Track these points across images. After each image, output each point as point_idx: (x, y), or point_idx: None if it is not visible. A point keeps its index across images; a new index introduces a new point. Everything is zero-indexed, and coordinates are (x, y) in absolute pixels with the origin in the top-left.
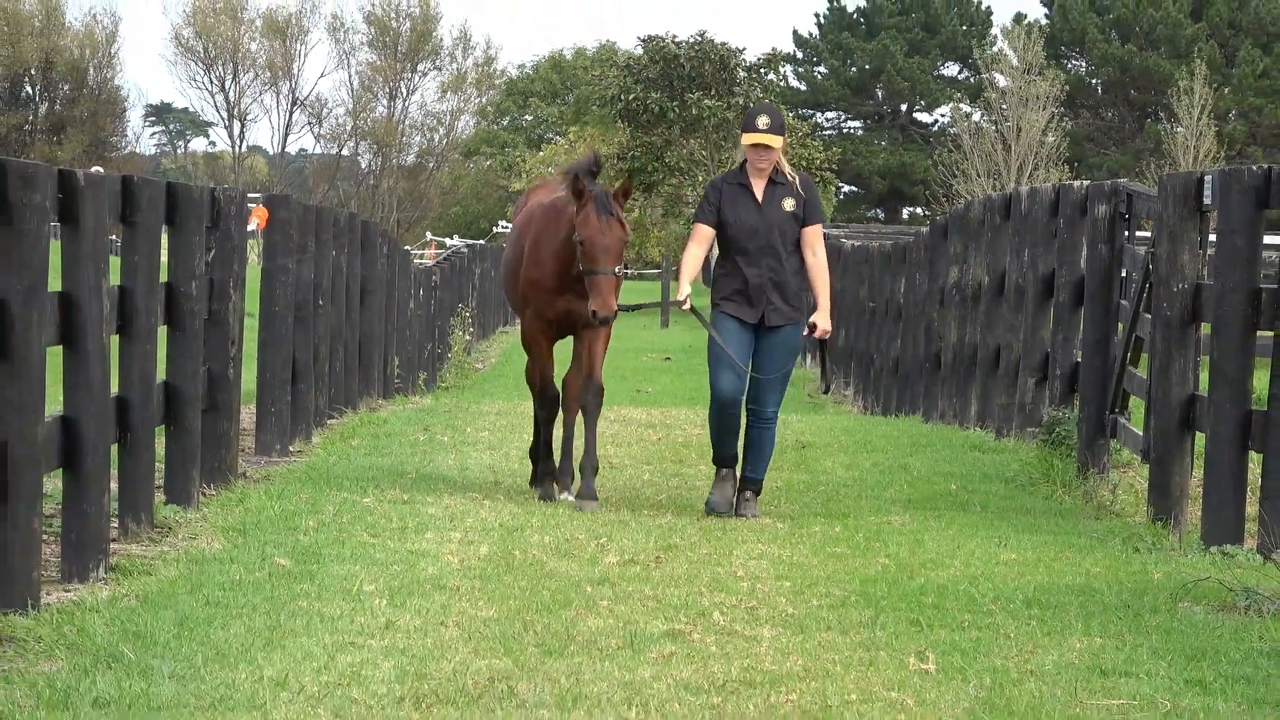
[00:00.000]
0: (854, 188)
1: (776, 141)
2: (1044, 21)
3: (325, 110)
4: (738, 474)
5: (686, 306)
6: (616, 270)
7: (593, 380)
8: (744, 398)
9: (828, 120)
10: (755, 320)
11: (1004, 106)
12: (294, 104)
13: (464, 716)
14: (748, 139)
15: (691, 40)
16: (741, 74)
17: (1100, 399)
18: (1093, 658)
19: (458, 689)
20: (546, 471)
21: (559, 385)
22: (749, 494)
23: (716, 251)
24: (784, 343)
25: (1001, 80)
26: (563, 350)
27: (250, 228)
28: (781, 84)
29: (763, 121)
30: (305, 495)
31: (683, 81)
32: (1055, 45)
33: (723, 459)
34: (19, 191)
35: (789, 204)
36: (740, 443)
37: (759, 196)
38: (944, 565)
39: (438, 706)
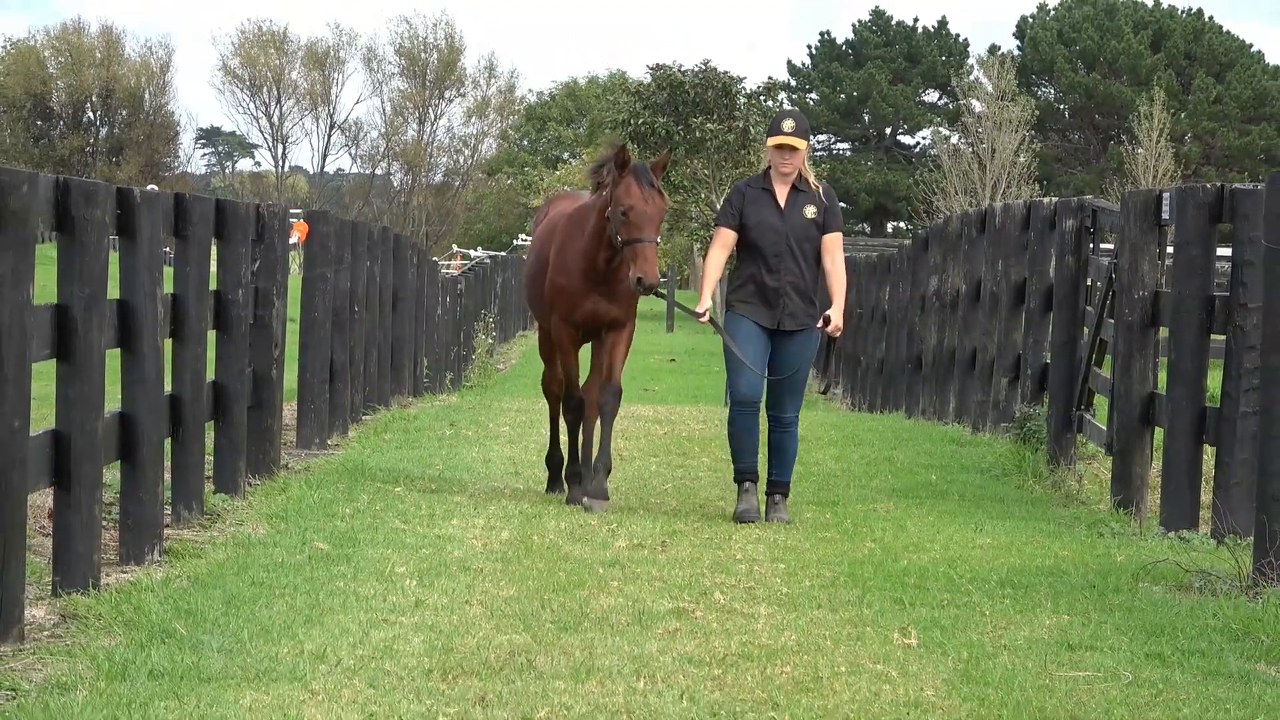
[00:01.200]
0: (842, 204)
1: (801, 144)
2: (1016, 52)
3: (360, 133)
4: (760, 482)
5: (705, 319)
6: (657, 240)
7: (612, 382)
8: (762, 402)
9: (819, 142)
10: (773, 325)
11: (979, 130)
12: (332, 128)
13: (487, 687)
14: (773, 140)
15: (696, 69)
16: (742, 100)
17: (1067, 397)
18: (1061, 633)
19: (481, 662)
20: (573, 474)
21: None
22: (778, 497)
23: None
24: (801, 346)
25: (977, 106)
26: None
27: (291, 241)
28: (778, 109)
29: (788, 125)
30: (342, 485)
31: (687, 107)
32: (1026, 74)
33: (743, 471)
34: (81, 208)
35: (810, 211)
36: (759, 451)
37: (781, 202)
38: (925, 549)
39: (463, 678)
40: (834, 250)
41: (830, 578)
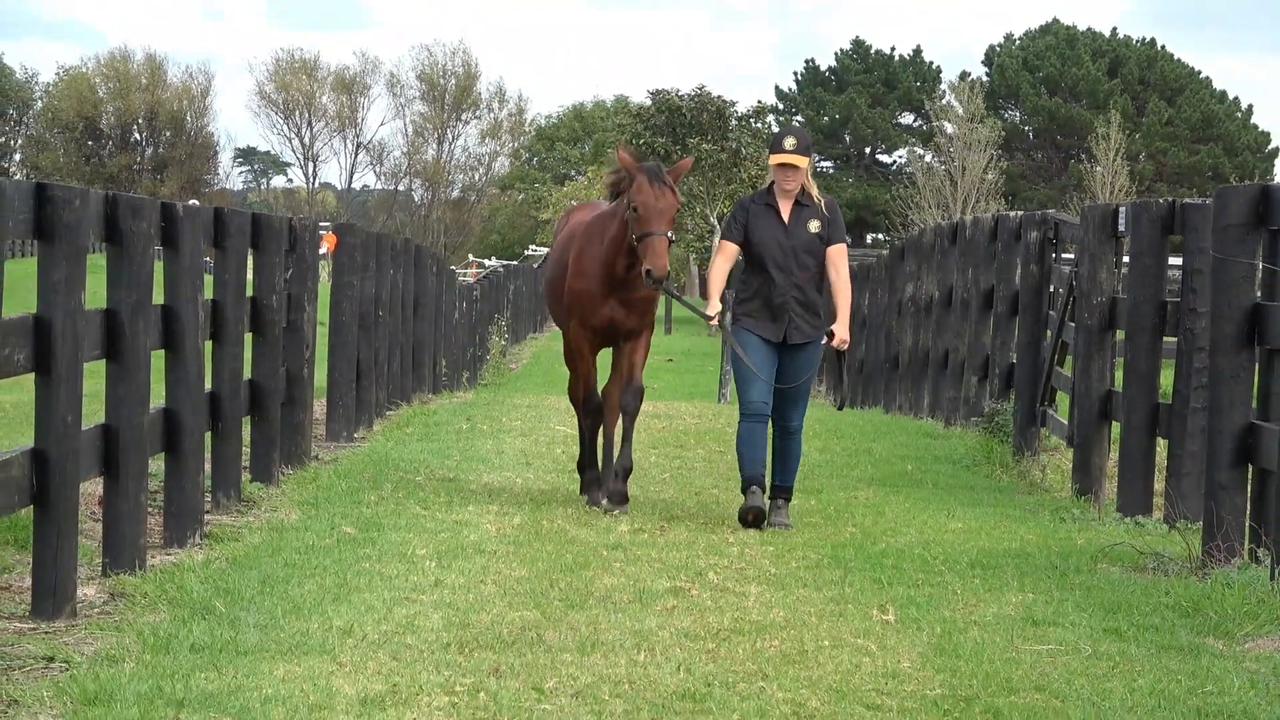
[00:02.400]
0: None
1: (802, 162)
2: (984, 78)
3: (384, 153)
4: (766, 485)
5: (715, 322)
6: (670, 235)
7: (633, 383)
8: (770, 411)
9: None
10: (778, 339)
11: (951, 149)
12: (358, 148)
13: (500, 659)
14: (775, 159)
15: (692, 93)
16: (734, 122)
17: (1032, 393)
18: (1026, 610)
19: (495, 636)
20: (592, 480)
21: (600, 395)
22: (780, 501)
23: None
24: (806, 358)
25: (949, 127)
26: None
27: (321, 251)
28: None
29: (789, 143)
30: (367, 474)
31: (684, 128)
32: (994, 98)
33: (750, 477)
34: (128, 220)
35: (814, 225)
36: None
37: (785, 217)
38: (901, 533)
39: (478, 650)
40: (838, 262)
41: (815, 559)
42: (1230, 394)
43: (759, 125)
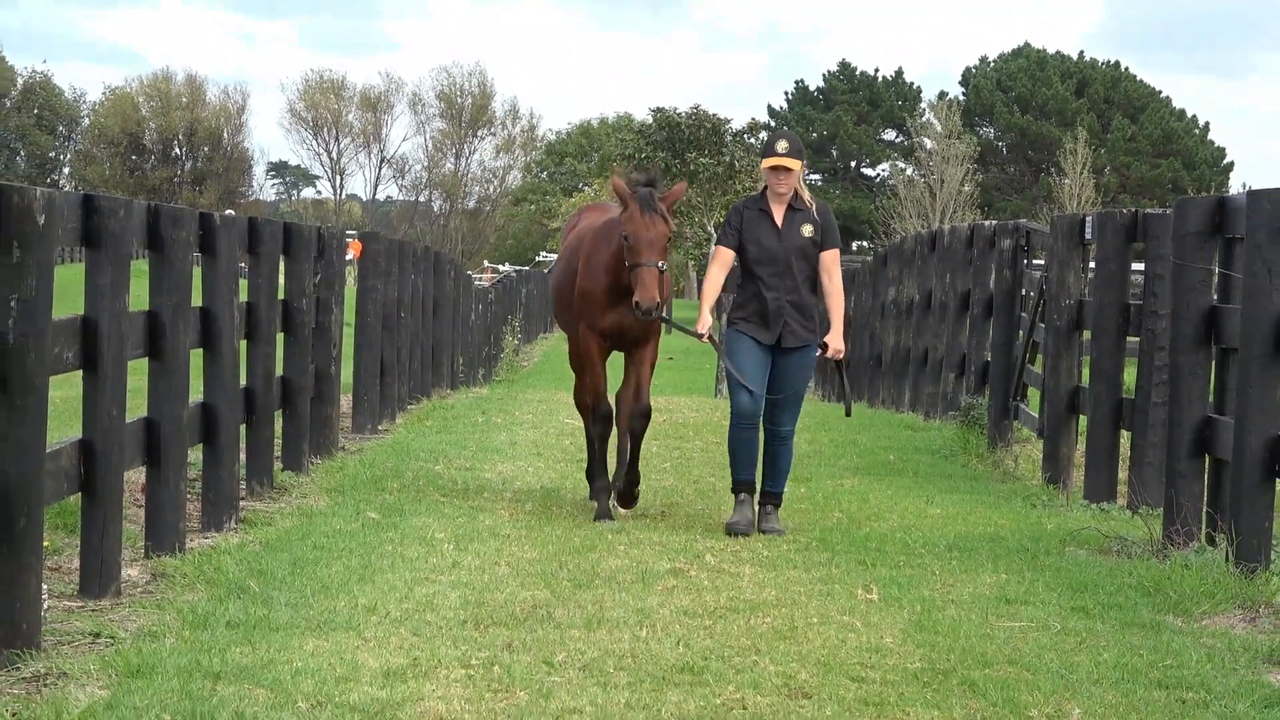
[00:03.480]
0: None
1: (795, 164)
2: (961, 97)
3: (406, 167)
4: (756, 490)
5: (706, 339)
6: (660, 265)
7: (640, 403)
8: (762, 416)
9: None
10: (772, 341)
11: (930, 163)
12: (382, 162)
13: (513, 635)
14: (767, 162)
15: (690, 111)
16: (729, 137)
17: (1005, 389)
18: (999, 590)
19: (508, 614)
20: (601, 489)
21: (613, 401)
22: (769, 508)
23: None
24: (799, 363)
25: (928, 143)
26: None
27: (348, 257)
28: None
29: (781, 146)
30: (390, 464)
31: (683, 144)
32: (970, 116)
33: (740, 483)
34: (169, 229)
35: (807, 230)
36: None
37: (779, 221)
38: (884, 518)
39: (493, 627)
40: (831, 268)
41: (804, 543)
42: (1189, 389)
43: (752, 140)
